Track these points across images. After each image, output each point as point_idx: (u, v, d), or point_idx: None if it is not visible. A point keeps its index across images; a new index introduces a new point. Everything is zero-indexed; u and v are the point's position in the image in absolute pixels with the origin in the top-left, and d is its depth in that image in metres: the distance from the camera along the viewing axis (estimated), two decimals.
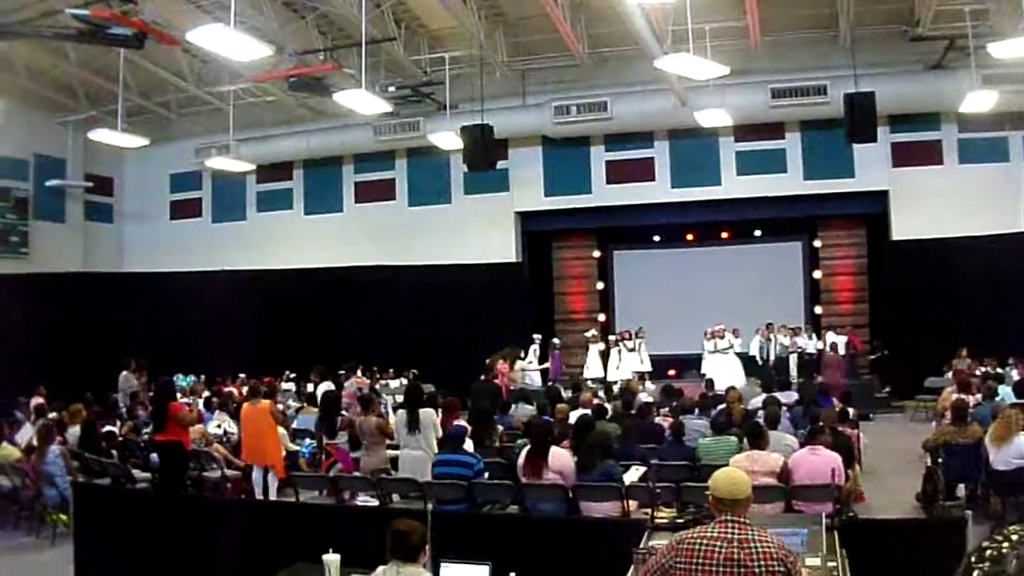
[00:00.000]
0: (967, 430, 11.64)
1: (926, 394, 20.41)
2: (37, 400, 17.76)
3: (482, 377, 19.07)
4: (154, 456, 13.21)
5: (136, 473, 13.36)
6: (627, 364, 23.98)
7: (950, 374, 19.34)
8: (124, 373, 20.50)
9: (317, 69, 20.50)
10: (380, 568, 5.53)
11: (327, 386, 18.64)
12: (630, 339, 24.46)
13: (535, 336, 25.06)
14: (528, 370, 23.32)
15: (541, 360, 24.47)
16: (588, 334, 25.39)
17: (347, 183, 27.90)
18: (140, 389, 19.63)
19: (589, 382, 21.26)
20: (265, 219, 28.41)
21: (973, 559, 2.93)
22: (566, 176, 25.61)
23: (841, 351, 23.16)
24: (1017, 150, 22.88)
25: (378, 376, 23.32)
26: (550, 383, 21.82)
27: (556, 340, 25.62)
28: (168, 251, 28.22)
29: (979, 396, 14.74)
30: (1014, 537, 2.96)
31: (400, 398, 14.33)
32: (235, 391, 19.78)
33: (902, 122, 22.95)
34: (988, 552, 2.92)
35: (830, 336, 24.11)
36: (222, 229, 28.67)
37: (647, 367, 24.08)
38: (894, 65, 21.83)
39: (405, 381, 21.19)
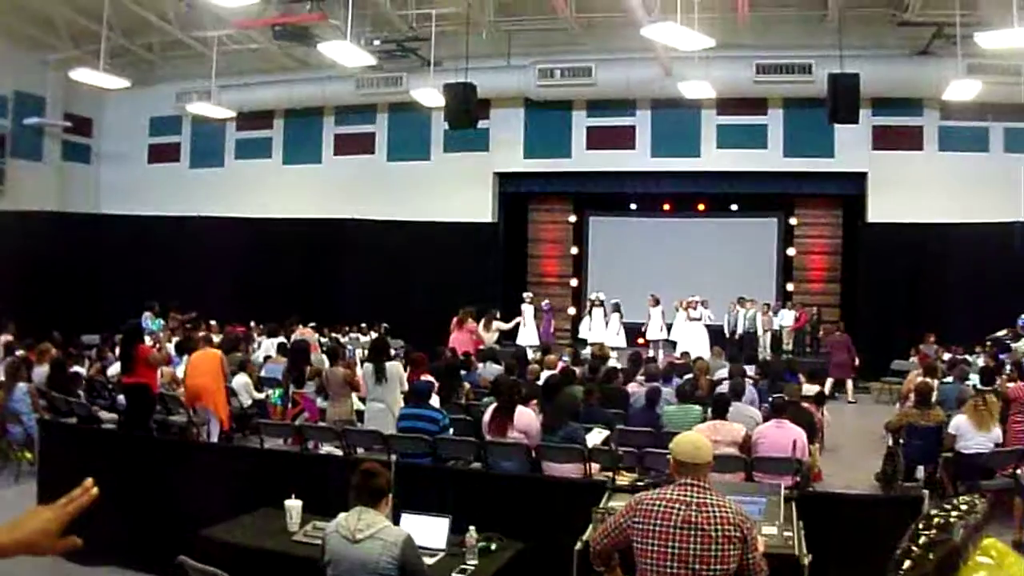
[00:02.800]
0: (930, 413, 11.74)
1: (892, 376, 20.56)
2: (6, 338, 17.73)
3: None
4: (121, 398, 13.22)
5: (103, 414, 13.38)
6: (599, 329, 24.03)
7: (916, 358, 19.48)
8: (146, 314, 20.34)
9: (303, 19, 20.39)
10: (342, 514, 5.55)
11: (272, 341, 18.57)
12: (600, 306, 24.48)
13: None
14: (502, 331, 23.20)
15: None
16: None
17: (327, 135, 27.75)
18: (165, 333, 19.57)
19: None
20: (243, 167, 28.24)
21: (920, 526, 2.99)
22: (546, 139, 25.55)
23: (789, 324, 24.01)
24: (998, 141, 22.96)
25: (348, 329, 23.30)
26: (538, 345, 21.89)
27: (546, 301, 25.51)
28: (145, 194, 28.03)
29: (949, 378, 14.90)
30: (962, 507, 3.02)
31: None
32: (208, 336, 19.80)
33: (885, 106, 22.96)
34: (935, 520, 2.98)
35: (782, 312, 24.52)
36: (200, 175, 28.47)
37: (622, 342, 24.01)
38: (880, 48, 21.85)
39: (375, 335, 21.16)
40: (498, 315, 21.47)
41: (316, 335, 20.76)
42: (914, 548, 2.91)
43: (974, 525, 2.95)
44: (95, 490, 2.69)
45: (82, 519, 2.66)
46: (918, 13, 20.48)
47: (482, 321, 20.39)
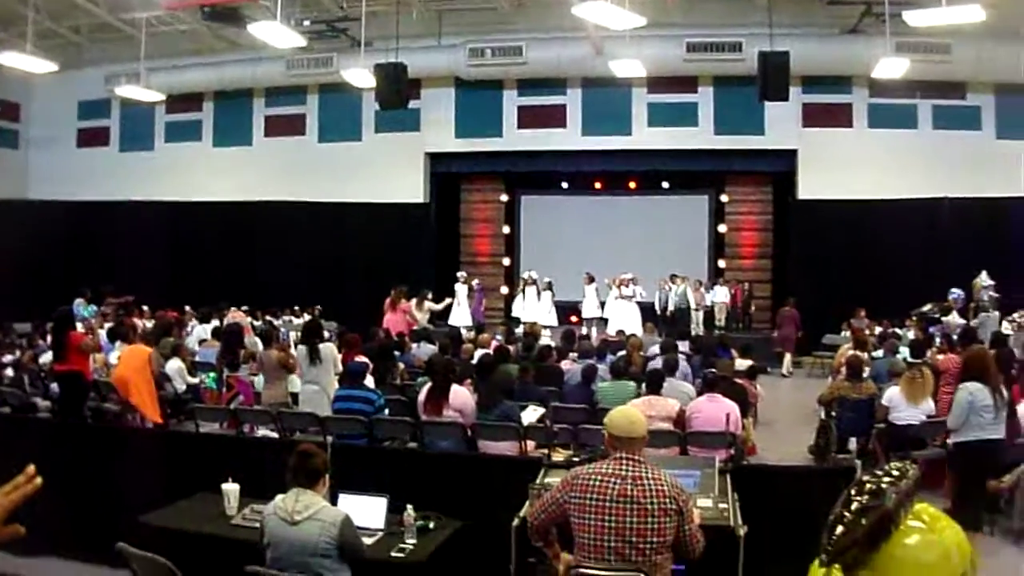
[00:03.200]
0: (862, 386, 11.88)
1: (823, 351, 20.80)
2: None
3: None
4: (54, 385, 13.10)
5: (37, 402, 13.25)
6: (532, 308, 24.07)
7: (847, 332, 19.70)
8: (78, 300, 20.11)
9: None
10: (279, 496, 5.55)
11: (205, 326, 18.41)
12: (533, 284, 24.51)
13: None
14: (434, 311, 23.13)
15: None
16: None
17: (257, 117, 27.57)
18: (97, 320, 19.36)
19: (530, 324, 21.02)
20: (173, 150, 27.98)
21: (853, 491, 3.04)
22: (477, 119, 25.55)
23: (722, 300, 24.44)
24: (926, 118, 23.28)
25: (280, 312, 23.20)
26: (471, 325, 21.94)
27: (476, 280, 25.47)
28: (75, 179, 27.74)
29: (879, 352, 15.08)
30: (894, 473, 3.08)
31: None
32: (138, 322, 19.62)
33: (814, 83, 23.22)
34: (867, 486, 3.04)
35: (715, 288, 24.84)
36: (130, 158, 28.16)
37: (553, 320, 24.05)
38: (810, 26, 22.08)
39: (309, 317, 21.10)
40: (430, 295, 21.46)
41: (249, 318, 20.67)
42: (846, 514, 2.97)
43: (905, 490, 3.01)
44: (39, 479, 2.65)
45: (19, 509, 2.63)
46: None
47: (414, 301, 20.36)
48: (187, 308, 21.40)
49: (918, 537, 3.04)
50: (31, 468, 2.69)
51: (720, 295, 24.63)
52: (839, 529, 2.97)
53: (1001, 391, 8.98)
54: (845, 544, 2.98)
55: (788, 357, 21.77)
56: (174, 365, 14.18)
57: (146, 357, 12.75)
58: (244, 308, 21.25)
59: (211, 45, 25.80)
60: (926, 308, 19.30)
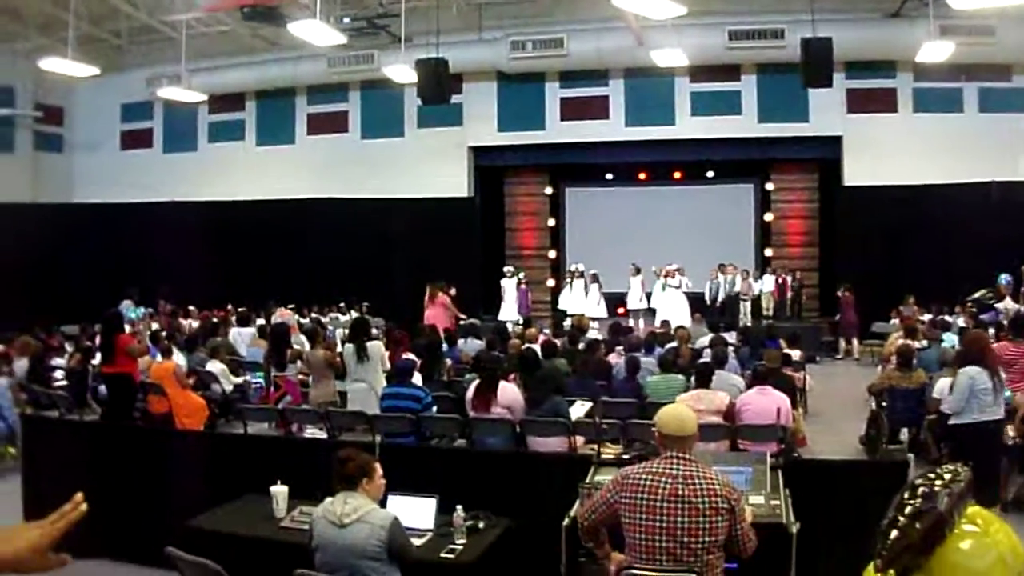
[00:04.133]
0: (912, 375, 11.76)
1: (873, 339, 20.66)
2: None
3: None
4: (102, 388, 13.17)
5: (86, 405, 13.32)
6: (579, 300, 24.03)
7: (896, 320, 19.54)
8: (125, 302, 20.23)
9: None
10: (328, 499, 5.54)
11: (244, 330, 18.41)
12: (581, 277, 24.46)
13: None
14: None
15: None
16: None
17: (299, 115, 27.67)
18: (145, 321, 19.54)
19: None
20: (216, 150, 28.17)
21: (906, 495, 3.03)
22: (520, 112, 25.54)
23: (769, 290, 24.45)
24: (971, 101, 23.09)
25: (327, 310, 23.25)
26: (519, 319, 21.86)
27: (522, 274, 25.46)
28: (119, 182, 27.84)
29: (924, 342, 14.91)
30: (946, 476, 3.06)
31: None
32: (184, 323, 19.74)
33: (858, 69, 23.05)
34: (920, 489, 3.02)
35: (764, 278, 24.81)
36: (173, 159, 28.36)
37: (602, 312, 24.00)
38: (852, 12, 21.89)
39: (356, 315, 21.13)
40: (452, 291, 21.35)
41: (296, 316, 20.72)
42: (900, 518, 2.96)
43: (958, 493, 3.00)
44: (84, 505, 2.61)
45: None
46: None
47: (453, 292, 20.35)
48: (230, 307, 21.52)
49: (972, 542, 3.02)
50: (79, 496, 2.65)
51: (767, 284, 24.51)
52: (893, 534, 2.95)
53: (999, 373, 9.18)
54: (899, 549, 2.96)
55: (855, 342, 21.98)
56: (217, 366, 14.24)
57: (171, 370, 12.82)
58: (291, 306, 21.27)
59: (251, 45, 25.88)
60: (979, 294, 19.11)
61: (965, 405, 9.07)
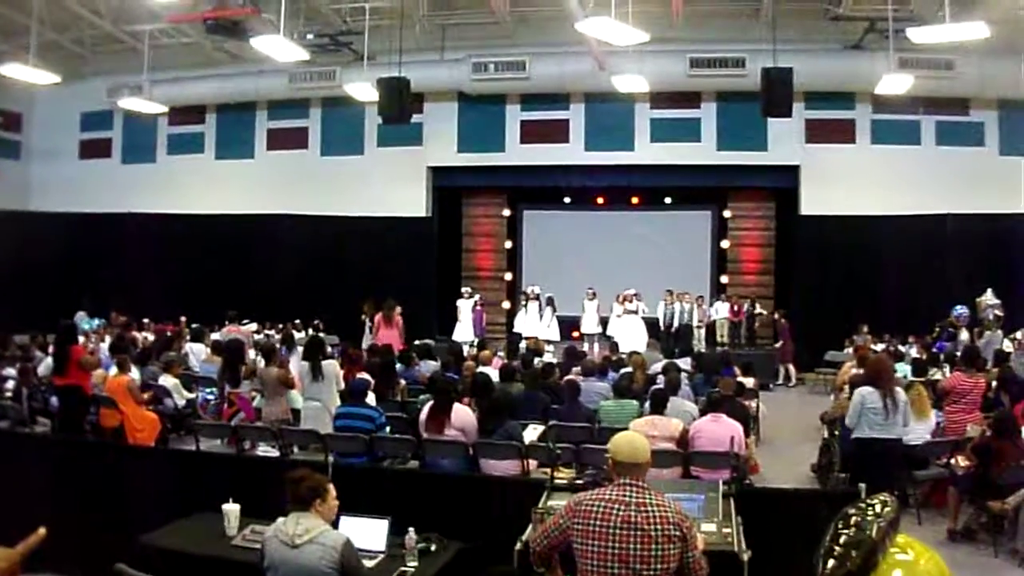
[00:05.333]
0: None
1: (826, 367, 20.78)
2: None
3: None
4: (54, 400, 13.07)
5: (36, 417, 13.21)
6: (533, 323, 24.05)
7: (850, 349, 19.66)
8: (80, 313, 20.06)
9: (235, 12, 20.17)
10: (280, 519, 5.52)
11: (196, 345, 18.31)
12: (536, 299, 24.47)
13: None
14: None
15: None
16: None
17: (259, 130, 27.60)
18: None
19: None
20: (175, 162, 28.01)
21: (840, 524, 3.16)
22: (480, 133, 25.58)
23: (724, 316, 24.53)
24: (929, 134, 23.35)
25: (283, 327, 23.13)
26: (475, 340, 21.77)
27: (478, 296, 25.42)
28: (76, 191, 27.69)
29: None
30: (877, 507, 3.17)
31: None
32: (139, 336, 19.62)
33: (818, 99, 23.21)
34: (853, 519, 3.15)
35: (717, 304, 25.01)
36: (132, 170, 28.17)
37: (555, 335, 23.98)
38: (813, 43, 22.08)
39: (311, 332, 21.09)
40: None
41: (253, 329, 20.62)
42: (836, 547, 3.13)
43: (888, 522, 3.12)
44: (42, 530, 2.76)
45: (19, 524, 2.68)
46: (851, 8, 20.86)
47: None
48: (183, 320, 21.41)
49: (902, 571, 3.18)
50: (42, 531, 2.79)
51: (722, 311, 24.62)
52: (831, 563, 3.07)
53: (893, 395, 9.66)
54: None
55: (791, 368, 22.29)
56: (170, 381, 14.19)
57: (124, 385, 12.76)
58: (245, 321, 21.13)
59: (214, 58, 25.83)
60: (945, 322, 19.44)
61: (858, 421, 9.69)
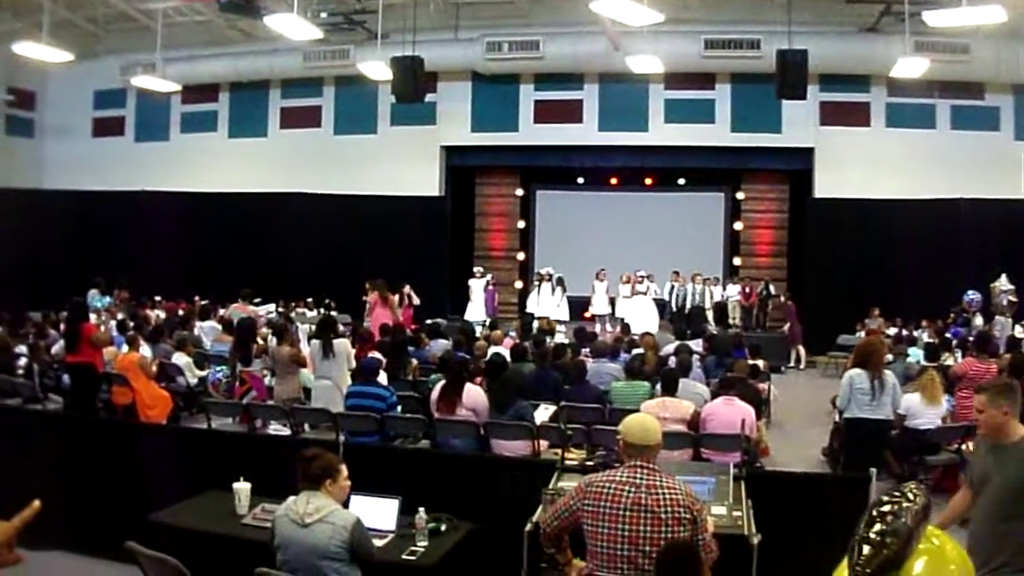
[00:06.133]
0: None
1: (838, 351, 20.73)
2: None
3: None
4: (66, 377, 13.08)
5: (48, 394, 13.22)
6: (546, 303, 24.02)
7: (862, 333, 19.64)
8: (92, 291, 20.06)
9: None
10: (291, 498, 5.53)
11: (205, 323, 18.28)
12: (549, 280, 24.43)
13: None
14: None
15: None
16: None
17: (273, 108, 27.57)
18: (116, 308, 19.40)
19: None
20: (189, 140, 28.00)
21: (874, 512, 3.14)
22: (494, 113, 25.54)
23: (735, 298, 24.52)
24: (944, 118, 23.29)
25: (293, 305, 23.10)
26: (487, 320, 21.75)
27: (490, 275, 25.47)
28: (90, 169, 27.68)
29: (890, 356, 14.99)
30: (909, 495, 3.16)
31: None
32: (151, 314, 19.61)
33: (832, 82, 23.14)
34: (889, 507, 3.12)
35: (730, 286, 24.97)
36: (145, 149, 28.18)
37: (565, 315, 23.90)
38: (829, 25, 21.99)
39: (323, 311, 21.07)
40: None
41: (266, 310, 20.54)
42: (871, 535, 3.09)
43: (921, 511, 3.09)
44: (37, 503, 2.70)
45: (29, 501, 2.67)
46: None
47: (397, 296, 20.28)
48: (196, 299, 21.40)
49: (934, 557, 3.23)
50: (36, 503, 2.72)
51: (733, 293, 24.59)
52: (866, 550, 3.05)
53: (882, 377, 9.96)
54: (875, 564, 3.09)
55: (800, 350, 22.22)
56: (183, 359, 14.20)
57: (135, 362, 12.76)
58: (257, 300, 21.07)
59: (227, 36, 25.77)
60: (956, 309, 19.42)
61: (847, 403, 10.05)
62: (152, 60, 24.17)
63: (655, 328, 19.59)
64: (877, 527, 3.12)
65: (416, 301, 21.29)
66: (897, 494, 3.27)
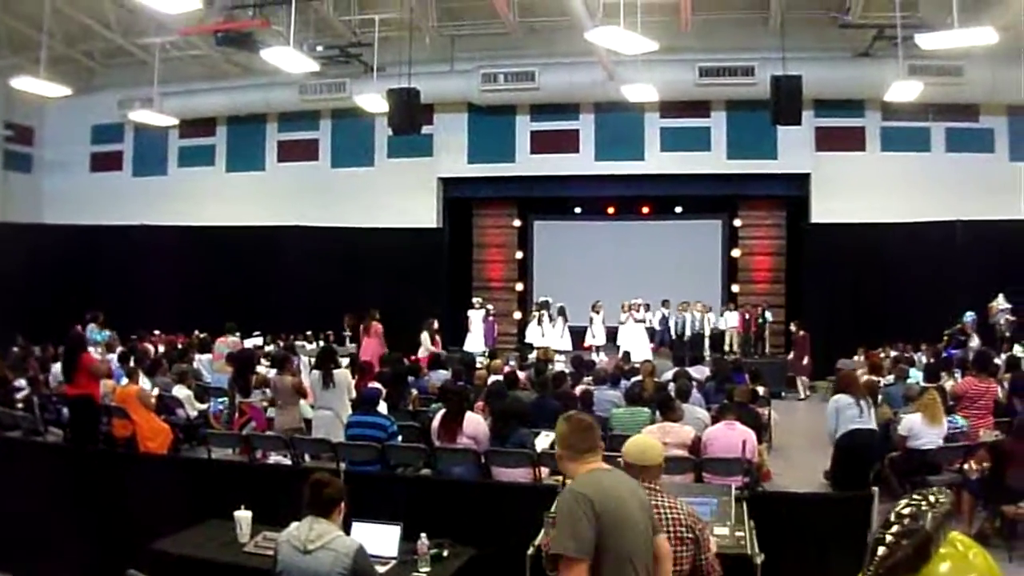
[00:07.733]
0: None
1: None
2: None
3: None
4: (65, 410, 13.07)
5: (48, 427, 13.21)
6: (545, 333, 23.99)
7: (861, 357, 19.62)
8: (91, 325, 20.01)
9: (245, 24, 20.23)
10: (293, 524, 5.52)
11: (204, 356, 18.23)
12: (547, 309, 24.42)
13: (475, 300, 25.31)
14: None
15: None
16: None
17: (270, 142, 27.64)
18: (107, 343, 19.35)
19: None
20: (186, 175, 28.07)
21: (892, 516, 3.12)
22: (490, 144, 25.60)
23: (733, 326, 24.52)
24: (939, 141, 23.37)
25: (292, 338, 23.07)
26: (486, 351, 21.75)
27: (489, 306, 25.50)
28: (88, 203, 27.74)
29: (890, 377, 15.03)
30: (932, 498, 3.15)
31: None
32: (150, 347, 19.55)
33: (827, 107, 23.27)
34: (908, 509, 3.11)
35: (727, 314, 24.91)
36: (143, 183, 28.22)
37: (567, 345, 23.89)
38: (822, 50, 22.08)
39: (322, 343, 21.06)
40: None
41: (252, 344, 20.46)
42: (888, 536, 3.06)
43: (943, 515, 3.10)
44: None
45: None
46: (859, 15, 20.76)
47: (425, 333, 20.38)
48: (196, 333, 21.37)
49: (956, 563, 3.12)
50: None
51: (732, 320, 24.59)
52: (881, 551, 3.05)
53: (867, 399, 10.69)
54: (888, 566, 3.04)
55: (805, 381, 22.05)
56: (183, 392, 14.19)
57: (134, 394, 12.74)
58: (256, 333, 21.00)
59: (224, 70, 25.89)
60: (954, 329, 19.41)
61: (836, 424, 10.52)
62: (149, 95, 24.26)
63: (649, 355, 19.61)
64: (895, 528, 3.08)
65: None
66: (918, 497, 3.22)
